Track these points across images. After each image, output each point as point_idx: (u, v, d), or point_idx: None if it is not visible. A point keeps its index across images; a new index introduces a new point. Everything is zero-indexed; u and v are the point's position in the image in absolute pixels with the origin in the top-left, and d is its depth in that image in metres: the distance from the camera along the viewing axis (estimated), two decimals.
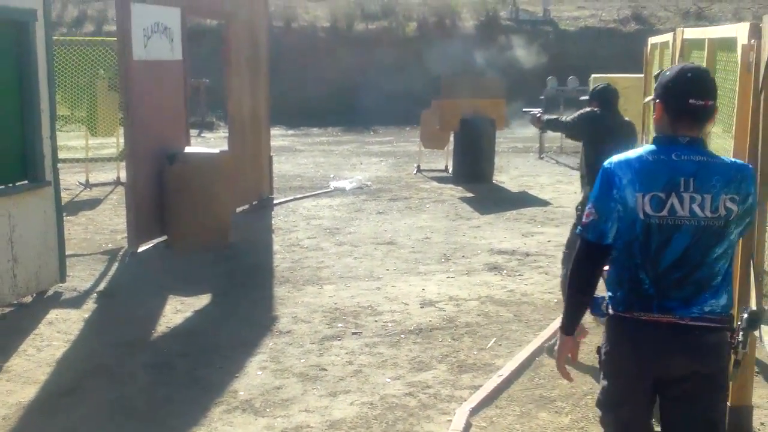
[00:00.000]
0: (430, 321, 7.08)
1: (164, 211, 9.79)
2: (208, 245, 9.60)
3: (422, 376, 5.84)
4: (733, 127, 4.40)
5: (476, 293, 7.91)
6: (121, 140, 12.39)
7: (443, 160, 16.90)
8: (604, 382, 3.30)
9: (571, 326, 3.29)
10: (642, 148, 3.17)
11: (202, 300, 7.81)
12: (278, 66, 20.51)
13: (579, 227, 3.24)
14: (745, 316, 3.11)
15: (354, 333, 6.78)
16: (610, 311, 3.20)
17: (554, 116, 7.92)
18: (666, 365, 3.10)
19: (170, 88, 10.24)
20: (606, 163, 3.16)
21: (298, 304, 7.59)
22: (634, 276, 3.11)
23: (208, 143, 20.97)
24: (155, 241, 9.92)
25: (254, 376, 5.88)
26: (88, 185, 14.37)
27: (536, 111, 7.41)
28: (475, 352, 6.32)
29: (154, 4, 9.68)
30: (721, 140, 5.44)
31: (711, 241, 3.05)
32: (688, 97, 3.05)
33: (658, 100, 3.18)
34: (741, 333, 3.09)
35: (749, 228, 3.31)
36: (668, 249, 3.05)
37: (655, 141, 3.18)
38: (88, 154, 15.13)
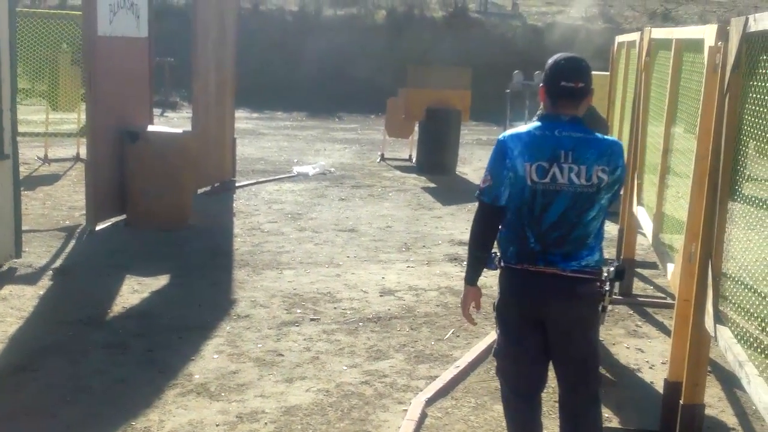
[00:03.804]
0: (388, 310, 7.08)
1: (124, 189, 9.69)
2: (168, 226, 9.52)
3: (379, 365, 5.84)
4: (697, 128, 4.43)
5: (436, 283, 7.92)
6: (83, 116, 12.23)
7: (407, 149, 16.92)
8: (499, 332, 3.89)
9: (472, 277, 3.83)
10: (530, 125, 3.69)
11: (160, 281, 7.74)
12: (245, 48, 20.32)
13: (477, 191, 3.72)
14: (613, 269, 3.73)
15: (312, 319, 6.76)
16: (502, 264, 3.74)
17: None
18: (549, 308, 3.67)
19: (134, 65, 10.12)
20: (500, 137, 3.69)
21: (257, 289, 7.56)
22: (522, 234, 3.63)
23: (171, 123, 20.76)
24: (114, 219, 9.82)
25: (210, 359, 5.84)
26: (47, 160, 14.17)
27: None
28: (433, 343, 6.33)
29: None
30: (684, 140, 5.49)
31: (585, 205, 3.59)
32: (559, 80, 3.60)
33: (541, 84, 3.71)
34: (608, 283, 3.70)
35: (617, 195, 3.80)
36: (549, 211, 3.58)
37: (540, 119, 3.70)
38: (48, 129, 14.90)
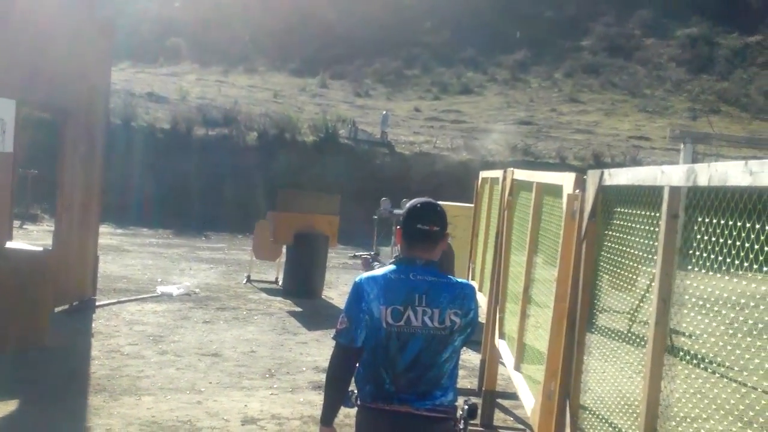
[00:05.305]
0: None
1: None
2: (22, 348, 9.11)
3: None
4: (556, 270, 4.62)
5: (299, 412, 7.83)
6: None
7: (274, 271, 16.87)
8: None
9: (328, 417, 3.77)
10: (386, 268, 3.78)
11: (9, 406, 7.36)
12: (113, 163, 20.11)
13: (334, 332, 3.73)
14: (466, 407, 3.75)
15: None
16: (359, 403, 3.74)
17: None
18: None
19: None
20: (357, 279, 3.74)
21: (114, 416, 7.28)
22: (378, 375, 3.66)
23: (30, 236, 20.13)
24: None
25: None
26: None
27: (367, 254, 7.49)
28: None
29: None
30: (542, 269, 5.70)
31: (439, 347, 3.65)
32: (416, 222, 3.71)
33: (398, 227, 3.82)
34: (462, 422, 3.74)
35: (471, 336, 3.81)
36: (404, 353, 3.63)
37: (396, 262, 3.80)
38: None
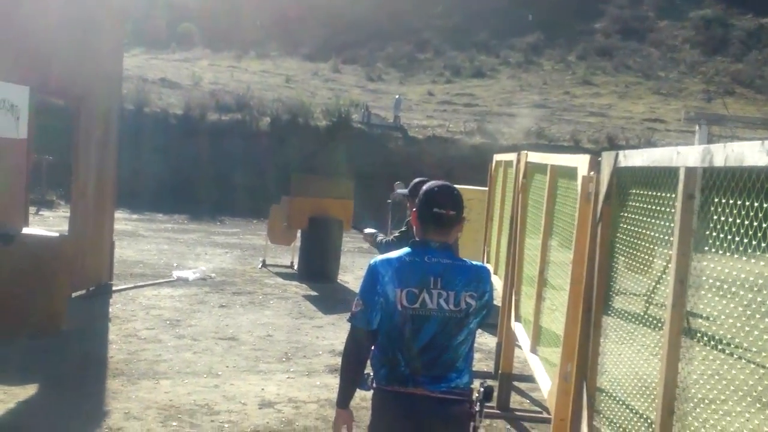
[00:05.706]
0: (267, 423, 6.98)
1: None
2: (40, 332, 9.18)
3: None
4: (572, 253, 4.62)
5: (316, 395, 7.87)
6: None
7: (289, 256, 16.92)
8: None
9: (344, 400, 3.78)
10: (402, 250, 3.76)
11: (28, 390, 7.43)
12: (127, 149, 20.17)
13: (349, 315, 3.74)
14: (482, 390, 3.75)
15: None
16: (374, 385, 3.75)
17: (383, 238, 7.63)
18: (420, 429, 3.65)
19: (11, 167, 9.92)
20: (371, 262, 3.74)
21: (132, 399, 7.34)
22: (393, 357, 3.66)
23: (46, 222, 20.24)
24: None
25: None
26: None
27: (372, 230, 7.30)
28: None
29: (1, 81, 9.42)
30: (558, 252, 5.71)
31: (454, 330, 3.65)
32: (432, 206, 3.71)
33: (414, 209, 3.85)
34: (478, 404, 3.73)
35: (486, 319, 3.81)
36: (419, 335, 3.62)
37: (410, 244, 3.78)
38: None
